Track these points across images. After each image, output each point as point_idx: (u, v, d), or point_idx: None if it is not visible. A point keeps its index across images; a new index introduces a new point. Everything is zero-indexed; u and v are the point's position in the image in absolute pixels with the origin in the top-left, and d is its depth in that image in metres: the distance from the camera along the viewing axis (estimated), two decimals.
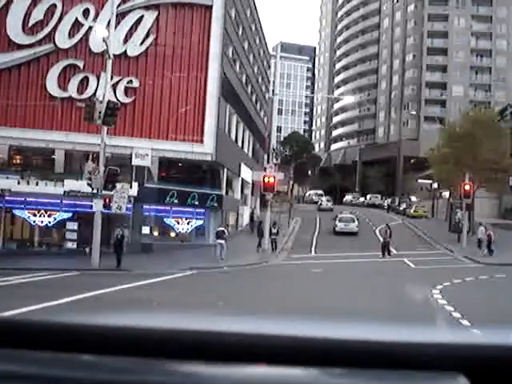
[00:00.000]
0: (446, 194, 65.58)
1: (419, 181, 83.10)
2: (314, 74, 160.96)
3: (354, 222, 51.88)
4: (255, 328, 1.44)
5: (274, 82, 65.95)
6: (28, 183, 34.86)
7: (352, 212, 59.16)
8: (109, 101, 27.31)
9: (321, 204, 78.06)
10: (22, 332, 1.42)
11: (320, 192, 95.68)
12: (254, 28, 55.67)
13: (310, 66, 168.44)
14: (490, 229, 39.29)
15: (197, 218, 40.20)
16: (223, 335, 1.39)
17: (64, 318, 1.53)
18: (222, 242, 33.19)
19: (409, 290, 19.58)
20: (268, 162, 43.37)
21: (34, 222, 36.56)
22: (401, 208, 74.11)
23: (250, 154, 57.53)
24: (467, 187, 41.62)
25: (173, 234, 40.06)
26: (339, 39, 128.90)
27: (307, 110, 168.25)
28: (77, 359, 1.34)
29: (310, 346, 1.31)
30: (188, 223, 39.93)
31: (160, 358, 1.31)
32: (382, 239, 37.91)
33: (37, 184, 34.87)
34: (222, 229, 34.69)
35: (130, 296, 17.18)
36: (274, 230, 38.82)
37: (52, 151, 37.70)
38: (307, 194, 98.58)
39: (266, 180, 36.06)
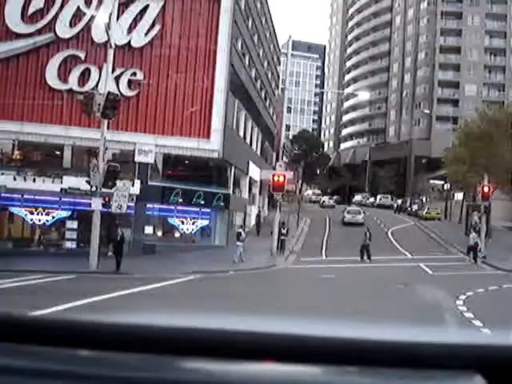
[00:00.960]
0: (459, 195, 64.17)
1: (431, 181, 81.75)
2: (323, 73, 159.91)
3: (360, 214, 59.05)
4: (263, 327, 1.42)
5: (284, 79, 64.61)
6: (25, 179, 33.34)
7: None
8: (109, 92, 25.67)
9: (324, 202, 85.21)
10: (23, 328, 1.44)
11: (318, 192, 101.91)
12: (264, 21, 54.16)
13: (320, 64, 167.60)
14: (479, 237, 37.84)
15: (202, 218, 38.68)
16: (231, 333, 1.39)
17: (72, 316, 1.51)
18: (240, 244, 32.44)
19: (431, 302, 18.23)
20: (277, 161, 41.88)
21: (32, 220, 35.10)
22: (412, 209, 72.38)
23: (259, 152, 56.05)
24: (486, 189, 39.74)
25: (177, 235, 38.51)
26: (350, 37, 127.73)
27: (316, 109, 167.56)
28: (80, 355, 1.36)
29: (320, 345, 1.32)
30: (193, 223, 38.43)
31: (169, 355, 1.32)
32: (361, 242, 36.52)
33: (34, 180, 33.39)
34: (240, 230, 33.98)
35: (126, 305, 15.55)
36: (284, 231, 38.29)
37: (58, 147, 36.07)
38: (305, 194, 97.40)
39: (276, 179, 34.65)
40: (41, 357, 1.33)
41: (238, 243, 32.69)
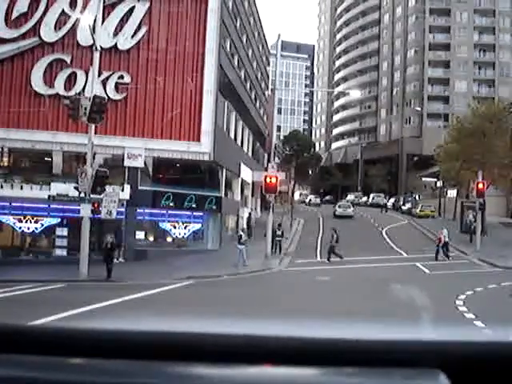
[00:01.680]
0: (452, 192, 63.96)
1: (423, 179, 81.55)
2: (312, 73, 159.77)
3: (350, 208, 66.68)
4: (260, 330, 1.43)
5: (274, 80, 64.22)
6: (12, 187, 32.73)
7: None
8: (95, 96, 25.09)
9: (310, 200, 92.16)
10: (13, 337, 1.43)
11: (305, 192, 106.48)
12: (252, 21, 53.72)
13: (309, 64, 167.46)
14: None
15: (194, 222, 38.16)
16: (228, 337, 1.39)
17: (58, 323, 1.46)
18: (241, 247, 32.04)
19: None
20: (269, 162, 41.31)
21: (20, 228, 34.48)
22: (405, 207, 71.96)
23: (250, 154, 55.60)
24: (480, 186, 39.32)
25: (169, 239, 37.95)
26: (339, 36, 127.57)
27: (306, 109, 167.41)
28: (72, 363, 1.35)
29: (313, 347, 1.34)
30: (185, 227, 37.90)
31: (161, 360, 1.32)
32: (328, 243, 36.22)
33: (21, 188, 32.81)
34: (240, 233, 33.75)
35: (118, 314, 14.92)
36: (279, 232, 38.26)
37: (47, 153, 35.45)
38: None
39: (268, 180, 34.10)
40: (30, 366, 1.31)
41: (239, 246, 32.22)
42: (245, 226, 46.49)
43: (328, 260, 34.74)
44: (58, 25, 35.03)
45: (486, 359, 1.30)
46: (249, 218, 48.04)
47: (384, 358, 1.30)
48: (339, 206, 67.31)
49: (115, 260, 32.46)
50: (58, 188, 31.02)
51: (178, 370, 1.31)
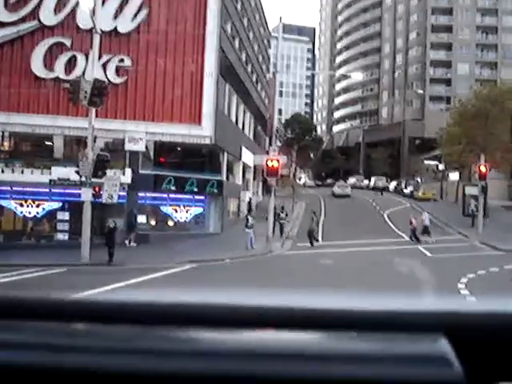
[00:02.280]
0: (454, 175, 63.79)
1: (425, 162, 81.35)
2: (314, 55, 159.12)
3: (347, 187, 73.05)
4: (264, 301, 1.46)
5: (275, 63, 63.93)
6: (13, 171, 32.65)
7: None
8: (95, 79, 24.92)
9: (305, 182, 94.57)
10: (14, 304, 1.46)
11: (304, 175, 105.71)
12: (253, 4, 53.34)
13: (310, 46, 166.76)
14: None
15: (196, 206, 38.10)
16: (229, 306, 1.43)
17: (64, 295, 1.55)
18: (249, 231, 32.44)
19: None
20: (271, 145, 41.15)
21: (22, 212, 34.45)
22: (407, 190, 71.85)
23: (251, 137, 55.41)
24: (483, 168, 39.14)
25: (171, 223, 37.89)
26: (340, 18, 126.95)
27: (308, 92, 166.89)
28: (73, 328, 1.38)
29: (314, 315, 1.38)
30: (187, 211, 37.85)
31: (163, 325, 1.35)
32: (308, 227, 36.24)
33: (22, 172, 32.72)
34: (248, 217, 33.98)
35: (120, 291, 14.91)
36: (283, 215, 38.90)
37: (48, 137, 35.31)
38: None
39: (270, 164, 33.94)
40: (32, 331, 1.34)
41: (247, 230, 32.52)
42: (246, 211, 46.42)
43: (311, 244, 34.69)
44: (58, 8, 34.76)
45: (490, 328, 1.32)
46: (249, 203, 47.84)
47: (387, 325, 1.34)
48: (338, 186, 73.28)
49: (127, 244, 32.78)
50: (59, 172, 30.90)
51: (179, 335, 1.35)
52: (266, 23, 66.21)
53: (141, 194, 35.57)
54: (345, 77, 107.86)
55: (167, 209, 37.54)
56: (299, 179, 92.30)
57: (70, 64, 34.61)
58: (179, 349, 1.29)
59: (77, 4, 32.59)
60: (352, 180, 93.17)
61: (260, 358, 1.24)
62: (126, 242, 33.03)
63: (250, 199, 48.56)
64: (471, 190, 43.10)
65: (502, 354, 1.30)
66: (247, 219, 33.53)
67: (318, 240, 35.16)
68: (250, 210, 45.54)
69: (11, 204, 34.28)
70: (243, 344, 1.31)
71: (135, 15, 35.39)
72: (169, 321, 1.37)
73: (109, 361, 1.24)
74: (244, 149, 47.65)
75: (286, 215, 39.19)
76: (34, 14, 34.68)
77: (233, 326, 1.34)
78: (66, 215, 34.26)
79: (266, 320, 1.35)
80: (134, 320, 1.38)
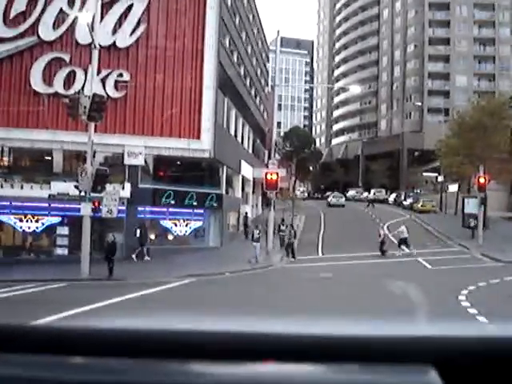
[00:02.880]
0: (453, 186, 63.79)
1: (424, 174, 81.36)
2: (312, 69, 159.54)
3: (342, 198, 77.10)
4: (260, 327, 1.45)
5: (274, 76, 64.15)
6: (12, 186, 32.64)
7: None
8: (94, 94, 24.98)
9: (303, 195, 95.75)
10: (13, 336, 1.43)
11: (302, 189, 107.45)
12: (251, 18, 53.56)
13: (309, 60, 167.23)
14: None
15: (195, 220, 38.04)
16: (227, 334, 1.40)
17: (57, 323, 1.60)
18: (256, 244, 32.47)
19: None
20: (270, 158, 41.20)
21: (21, 227, 34.39)
22: (407, 202, 71.83)
23: (250, 150, 55.47)
24: (482, 180, 39.19)
25: (170, 237, 37.82)
26: (338, 31, 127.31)
27: (306, 105, 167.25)
28: (69, 361, 1.36)
29: (315, 344, 1.36)
30: (186, 225, 37.78)
31: (161, 358, 1.32)
32: (286, 240, 36.01)
33: (22, 187, 32.71)
34: (255, 230, 33.75)
35: (117, 313, 14.82)
36: (283, 227, 38.70)
37: (47, 152, 35.31)
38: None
39: (269, 177, 34.02)
40: (29, 365, 1.31)
41: (254, 244, 32.47)
42: (242, 226, 46.24)
43: (287, 255, 34.54)
44: (57, 23, 34.86)
45: (481, 355, 1.30)
46: (245, 218, 47.35)
47: (377, 355, 1.31)
48: (333, 197, 77.53)
49: (134, 258, 32.78)
50: (58, 187, 30.95)
51: (177, 368, 1.31)
52: (264, 37, 66.45)
53: (140, 208, 35.52)
54: (343, 90, 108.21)
55: (167, 223, 37.49)
56: (301, 192, 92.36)
57: (69, 79, 34.66)
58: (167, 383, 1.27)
59: (75, 19, 32.68)
60: (352, 192, 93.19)
61: None
62: (133, 256, 33.02)
63: (246, 213, 48.17)
64: (470, 208, 42.94)
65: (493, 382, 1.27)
66: (253, 232, 33.51)
67: (294, 255, 34.60)
68: (246, 224, 45.34)
69: (11, 219, 34.25)
70: (242, 379, 1.28)
71: (134, 30, 35.50)
72: (145, 352, 1.33)
73: None
74: (243, 162, 47.67)
75: (286, 227, 38.84)
76: (32, 29, 34.77)
77: (230, 357, 1.31)
78: (65, 230, 34.20)
79: (262, 351, 1.33)
80: (115, 351, 1.34)
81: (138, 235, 33.97)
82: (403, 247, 36.70)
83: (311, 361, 1.31)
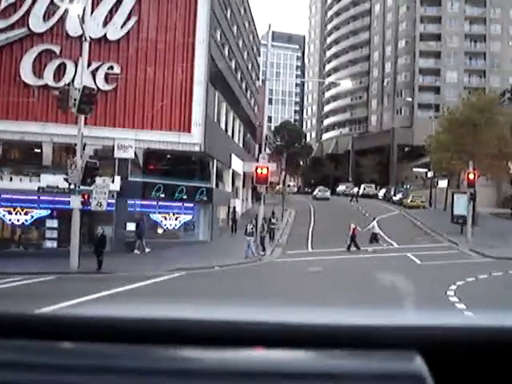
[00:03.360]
0: (443, 182, 64.01)
1: (414, 169, 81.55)
2: (303, 63, 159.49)
3: (327, 191, 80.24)
4: (248, 316, 1.47)
5: (265, 70, 64.06)
6: (1, 179, 32.49)
7: None
8: (84, 87, 24.86)
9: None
10: (16, 322, 1.45)
11: (293, 183, 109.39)
12: (242, 11, 53.44)
13: (300, 54, 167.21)
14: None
15: (185, 213, 37.97)
16: (215, 322, 1.42)
17: (53, 310, 1.56)
18: (250, 238, 32.46)
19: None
20: (260, 152, 41.16)
21: (10, 220, 34.25)
22: (396, 198, 72.04)
23: (241, 145, 55.42)
24: (471, 176, 39.37)
25: (160, 231, 37.74)
26: (329, 26, 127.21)
27: (297, 100, 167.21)
28: (58, 346, 1.37)
29: (284, 331, 1.39)
30: (176, 219, 37.68)
31: (147, 344, 1.33)
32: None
33: (11, 179, 32.56)
34: (249, 225, 33.66)
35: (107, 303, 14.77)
36: (274, 220, 39.17)
37: (37, 144, 35.10)
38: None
39: (259, 171, 33.97)
40: (21, 350, 1.32)
41: (248, 238, 32.46)
42: (230, 221, 45.78)
43: (263, 251, 34.11)
44: (47, 15, 34.63)
45: (465, 343, 1.34)
46: (234, 212, 46.11)
47: (364, 342, 1.34)
48: (319, 190, 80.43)
49: (136, 251, 32.80)
50: (47, 180, 30.80)
51: (165, 353, 1.32)
52: (256, 31, 66.32)
53: (130, 202, 35.45)
54: (334, 84, 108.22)
55: (156, 216, 37.43)
56: (288, 186, 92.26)
57: (59, 71, 34.47)
58: (158, 368, 1.26)
59: (66, 11, 32.45)
60: (341, 187, 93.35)
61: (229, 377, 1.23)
62: (136, 250, 33.06)
63: (234, 208, 47.42)
64: (459, 209, 42.94)
65: (478, 371, 1.30)
66: (246, 227, 33.48)
67: (264, 249, 34.38)
68: (234, 219, 44.89)
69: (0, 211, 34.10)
70: (223, 364, 1.28)
71: (125, 23, 35.31)
72: (141, 338, 1.34)
73: (78, 381, 1.21)
74: (234, 156, 47.63)
75: (277, 220, 38.90)
76: (23, 20, 34.52)
77: (219, 344, 1.32)
78: (54, 223, 34.07)
79: (249, 338, 1.35)
80: (107, 337, 1.35)
81: (136, 228, 34.07)
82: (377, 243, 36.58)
83: (300, 347, 1.33)
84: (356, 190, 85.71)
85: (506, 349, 1.32)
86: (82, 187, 26.15)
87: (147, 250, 33.44)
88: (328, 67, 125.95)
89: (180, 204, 37.35)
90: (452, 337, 1.36)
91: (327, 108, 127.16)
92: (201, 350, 1.31)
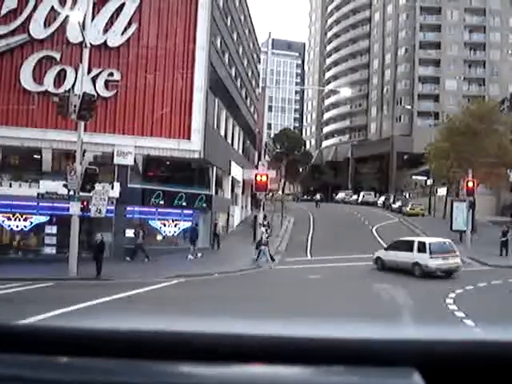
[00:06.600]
0: (442, 190, 64.07)
1: (413, 177, 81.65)
2: (303, 71, 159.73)
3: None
4: (248, 329, 1.45)
5: (265, 78, 64.19)
6: (0, 185, 32.47)
7: None
8: (84, 93, 24.89)
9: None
10: (13, 336, 1.42)
11: (292, 192, 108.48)
12: (243, 19, 53.52)
13: (300, 62, 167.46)
14: None
15: (185, 220, 37.94)
16: (215, 336, 1.40)
17: (44, 322, 1.63)
18: (263, 248, 32.60)
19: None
20: (260, 160, 41.16)
21: (9, 226, 34.21)
22: (396, 205, 72.06)
23: (241, 152, 55.43)
24: (470, 184, 39.41)
25: (159, 238, 37.70)
26: (329, 34, 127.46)
27: (297, 107, 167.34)
28: (58, 362, 1.35)
29: (302, 346, 1.37)
30: (175, 225, 37.67)
31: (149, 359, 1.31)
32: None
33: (10, 185, 32.56)
34: (263, 233, 33.97)
35: (105, 313, 14.73)
36: (265, 222, 38.88)
37: (37, 150, 35.07)
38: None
39: (258, 178, 34.01)
40: (15, 365, 1.30)
41: (263, 247, 32.54)
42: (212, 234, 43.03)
43: (131, 258, 33.07)
44: (48, 21, 34.67)
45: (464, 358, 1.31)
46: (215, 226, 40.25)
47: (363, 357, 1.32)
48: (318, 200, 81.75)
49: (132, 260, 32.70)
50: (47, 186, 30.76)
51: (165, 369, 1.31)
52: (256, 38, 66.40)
53: (129, 208, 35.43)
54: (334, 92, 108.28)
55: (156, 223, 37.40)
56: (288, 194, 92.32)
57: (60, 77, 34.49)
58: None
59: (66, 18, 32.50)
60: (341, 195, 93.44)
61: None
62: (145, 259, 32.95)
63: (216, 224, 40.26)
64: (457, 225, 42.95)
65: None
66: (261, 236, 33.56)
67: (148, 257, 33.11)
68: (215, 233, 39.87)
69: None
70: (230, 381, 1.28)
71: (125, 29, 35.35)
72: (132, 352, 1.32)
73: None
74: (233, 163, 47.63)
75: (269, 224, 38.86)
76: (23, 27, 34.56)
77: (219, 359, 1.31)
78: (53, 229, 34.01)
79: (249, 353, 1.33)
80: (96, 352, 1.33)
81: (136, 236, 33.98)
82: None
83: (299, 362, 1.31)
84: (361, 198, 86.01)
85: (507, 364, 1.30)
86: (81, 193, 26.14)
87: (146, 260, 33.22)
88: (328, 75, 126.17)
89: (179, 211, 37.33)
90: (451, 352, 1.33)
91: (327, 115, 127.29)
92: (200, 366, 1.30)
